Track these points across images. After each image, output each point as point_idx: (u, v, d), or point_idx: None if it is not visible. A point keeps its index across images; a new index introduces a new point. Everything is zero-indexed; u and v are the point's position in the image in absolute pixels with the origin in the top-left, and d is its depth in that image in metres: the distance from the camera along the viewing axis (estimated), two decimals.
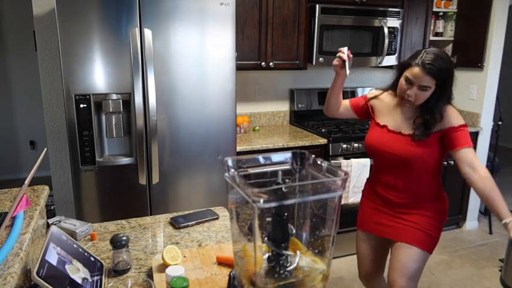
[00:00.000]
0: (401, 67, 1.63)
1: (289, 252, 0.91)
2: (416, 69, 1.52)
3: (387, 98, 1.77)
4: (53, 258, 1.01)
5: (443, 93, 1.56)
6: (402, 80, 1.59)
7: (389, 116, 1.72)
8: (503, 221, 1.51)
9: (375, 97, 1.81)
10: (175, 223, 1.52)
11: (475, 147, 3.41)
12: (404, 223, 1.71)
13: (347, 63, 1.65)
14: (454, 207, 3.49)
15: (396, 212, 1.72)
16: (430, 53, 1.52)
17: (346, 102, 1.88)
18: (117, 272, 1.18)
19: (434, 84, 1.53)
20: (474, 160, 1.56)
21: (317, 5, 2.81)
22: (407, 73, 1.56)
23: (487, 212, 3.67)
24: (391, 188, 1.71)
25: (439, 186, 1.74)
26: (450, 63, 1.55)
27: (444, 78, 1.53)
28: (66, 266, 1.03)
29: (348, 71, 1.66)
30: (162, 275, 1.13)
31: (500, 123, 3.54)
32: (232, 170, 0.93)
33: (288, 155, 1.04)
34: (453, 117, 1.60)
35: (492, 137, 3.50)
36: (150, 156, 2.14)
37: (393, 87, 1.71)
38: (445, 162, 3.26)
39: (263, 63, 2.82)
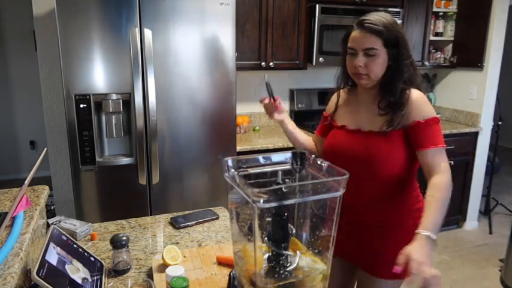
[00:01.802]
0: (343, 43, 1.40)
1: (289, 252, 0.90)
2: (354, 32, 1.32)
3: (343, 97, 1.54)
4: (53, 258, 1.00)
5: (397, 62, 1.31)
6: (347, 56, 1.37)
7: (348, 114, 1.48)
8: (416, 231, 1.16)
9: (333, 105, 1.57)
10: (175, 223, 1.52)
11: (474, 147, 3.42)
12: (372, 249, 1.40)
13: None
14: (454, 207, 3.49)
15: (361, 233, 1.42)
16: (369, 14, 1.33)
17: (315, 138, 1.66)
18: (117, 272, 1.18)
19: (381, 45, 1.29)
20: (433, 165, 1.30)
21: (317, 5, 2.81)
22: (348, 43, 1.35)
23: (487, 212, 3.67)
24: (354, 204, 1.37)
25: (414, 199, 1.42)
26: (396, 23, 1.32)
27: (391, 38, 1.29)
28: (66, 266, 1.03)
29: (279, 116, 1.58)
30: (162, 275, 1.13)
31: (500, 123, 3.54)
32: (232, 170, 0.93)
33: (288, 155, 1.04)
34: (418, 109, 1.32)
35: (492, 137, 3.50)
36: (150, 156, 2.14)
37: (343, 77, 1.47)
38: None
39: (263, 63, 2.82)
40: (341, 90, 1.54)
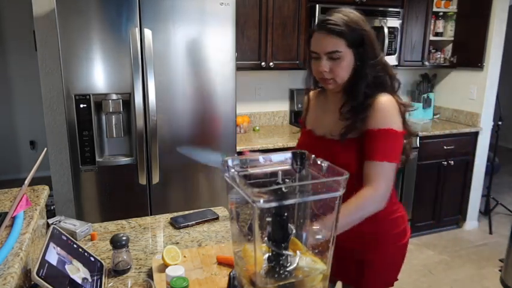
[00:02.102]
0: (307, 46, 1.30)
1: (289, 252, 0.90)
2: (315, 35, 1.23)
3: (312, 100, 1.46)
4: (53, 258, 1.00)
5: (362, 63, 1.21)
6: (312, 60, 1.27)
7: (316, 118, 1.41)
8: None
9: (304, 109, 1.50)
10: (175, 223, 1.52)
11: (474, 147, 3.42)
12: (358, 263, 1.33)
13: None
14: (454, 207, 3.49)
15: (344, 247, 1.16)
16: (331, 13, 1.22)
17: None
18: (117, 272, 1.18)
19: (344, 47, 1.19)
20: (371, 179, 1.18)
21: (317, 5, 2.81)
22: (310, 47, 1.26)
23: (487, 212, 3.67)
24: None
25: (391, 207, 1.30)
26: (360, 20, 1.21)
27: (355, 37, 1.18)
28: (66, 266, 1.03)
29: None
30: (162, 275, 1.13)
31: (500, 123, 3.54)
32: (232, 170, 0.93)
33: (288, 155, 1.04)
34: (377, 116, 1.20)
35: (492, 137, 3.50)
36: (150, 156, 2.14)
37: (311, 80, 1.37)
38: (445, 162, 3.27)
39: (263, 63, 2.82)
40: (311, 93, 1.48)
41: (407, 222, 1.40)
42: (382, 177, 1.18)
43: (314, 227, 0.96)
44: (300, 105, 3.28)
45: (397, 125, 1.21)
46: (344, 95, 1.28)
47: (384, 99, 1.21)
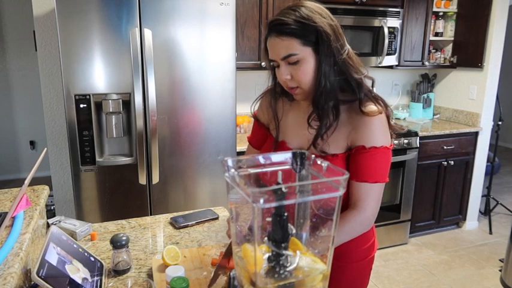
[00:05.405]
0: (266, 54, 1.13)
1: (289, 252, 0.90)
2: (269, 41, 1.08)
3: (282, 101, 1.26)
4: (53, 258, 1.01)
5: (322, 61, 1.05)
6: (276, 70, 1.14)
7: (288, 127, 1.24)
8: None
9: (266, 110, 1.30)
10: (175, 223, 1.52)
11: (474, 147, 3.42)
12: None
13: None
14: (454, 207, 3.49)
15: None
16: (281, 11, 1.08)
17: (250, 151, 1.41)
18: (117, 272, 1.18)
19: (300, 47, 1.04)
20: (360, 200, 1.09)
21: None
22: (269, 56, 1.12)
23: (487, 212, 3.67)
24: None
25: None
26: (314, 12, 1.05)
27: (310, 33, 1.03)
28: (66, 266, 1.03)
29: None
30: (162, 275, 1.13)
31: (500, 123, 3.54)
32: (232, 170, 0.93)
33: (288, 155, 1.04)
34: (369, 132, 1.07)
35: (492, 137, 3.50)
36: (150, 156, 2.14)
37: (275, 92, 1.25)
38: (445, 162, 3.27)
39: (263, 63, 2.82)
40: (268, 96, 1.28)
41: (375, 235, 1.30)
42: (373, 199, 1.10)
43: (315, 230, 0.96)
44: None
45: (389, 140, 1.11)
46: (311, 103, 1.14)
47: (377, 115, 1.09)
